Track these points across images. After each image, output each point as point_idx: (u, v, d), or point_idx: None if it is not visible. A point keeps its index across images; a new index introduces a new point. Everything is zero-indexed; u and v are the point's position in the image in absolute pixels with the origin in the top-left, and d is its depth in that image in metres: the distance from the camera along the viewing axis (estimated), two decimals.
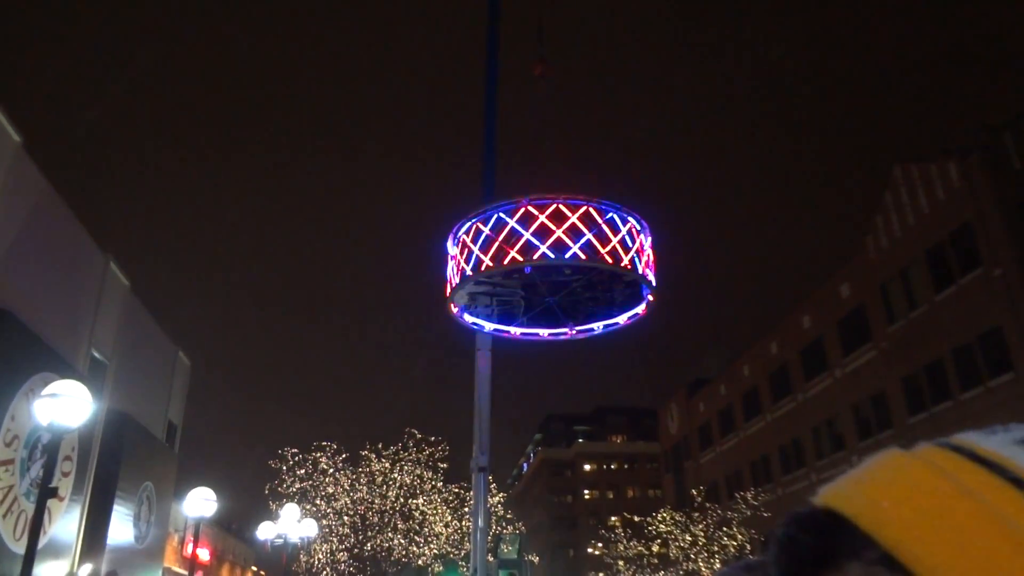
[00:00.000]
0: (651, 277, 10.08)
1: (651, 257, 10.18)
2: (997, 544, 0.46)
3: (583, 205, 9.42)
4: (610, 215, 9.53)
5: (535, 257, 9.25)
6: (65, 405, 9.90)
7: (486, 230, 9.65)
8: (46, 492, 9.75)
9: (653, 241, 10.33)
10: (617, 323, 11.31)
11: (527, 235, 9.25)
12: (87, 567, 22.65)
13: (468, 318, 11.64)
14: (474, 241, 9.80)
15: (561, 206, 9.36)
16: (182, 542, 33.23)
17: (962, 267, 26.40)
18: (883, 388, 30.76)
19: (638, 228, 9.85)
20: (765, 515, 36.25)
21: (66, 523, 21.84)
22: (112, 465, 24.18)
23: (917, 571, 0.46)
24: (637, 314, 11.00)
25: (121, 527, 24.95)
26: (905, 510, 0.49)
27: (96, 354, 24.31)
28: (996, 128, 27.72)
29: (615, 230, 9.46)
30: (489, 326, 12.03)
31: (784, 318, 39.59)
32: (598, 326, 11.51)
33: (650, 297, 10.55)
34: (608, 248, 9.29)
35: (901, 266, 29.53)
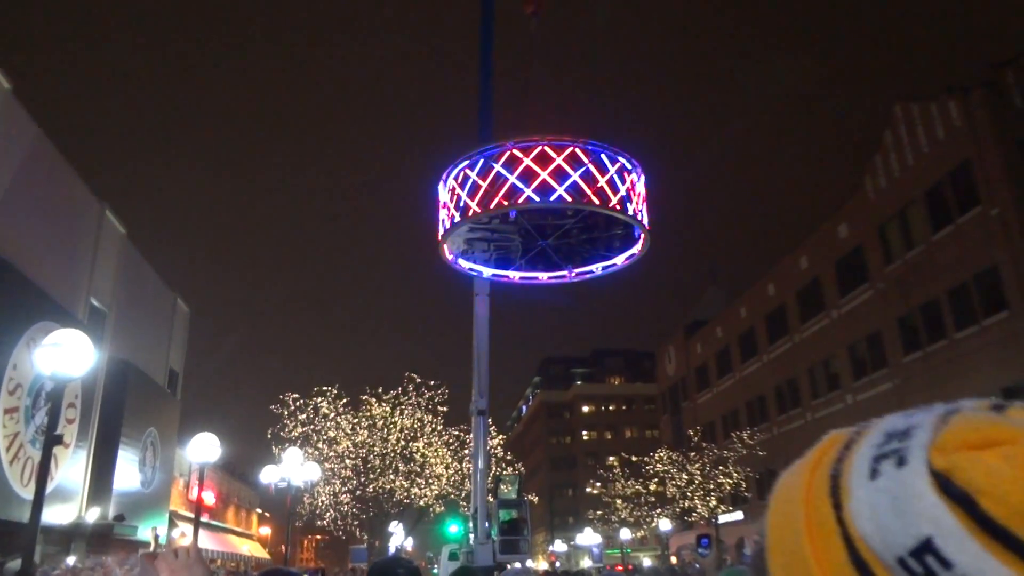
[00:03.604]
0: (643, 217, 10.01)
1: (643, 197, 10.09)
2: (790, 542, 0.54)
3: (569, 146, 9.31)
4: (598, 155, 9.43)
5: (519, 201, 9.19)
6: (67, 354, 9.92)
7: (473, 175, 9.58)
8: (51, 439, 9.85)
9: (647, 181, 10.24)
10: (615, 264, 11.31)
11: (512, 179, 9.18)
12: (95, 511, 23.07)
13: (465, 264, 11.63)
14: (462, 186, 9.74)
15: (546, 148, 9.25)
16: (187, 486, 33.78)
17: (960, 207, 26.30)
18: (879, 328, 30.95)
19: (628, 168, 9.75)
20: (760, 454, 36.81)
21: (72, 469, 22.17)
22: (115, 412, 24.44)
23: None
24: (634, 255, 10.99)
25: (127, 472, 25.35)
26: (777, 493, 0.59)
27: (95, 302, 24.35)
28: (998, 65, 27.30)
29: (603, 170, 9.37)
30: (487, 271, 12.03)
31: (782, 259, 39.61)
32: (597, 268, 11.52)
33: (643, 237, 10.51)
34: (595, 188, 9.22)
35: (899, 206, 29.42)
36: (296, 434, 30.04)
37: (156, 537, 26.86)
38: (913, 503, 0.48)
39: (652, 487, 42.54)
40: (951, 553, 0.46)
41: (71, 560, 16.93)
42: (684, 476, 40.03)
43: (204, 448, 16.47)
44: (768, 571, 0.55)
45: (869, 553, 0.48)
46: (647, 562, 50.71)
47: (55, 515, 19.90)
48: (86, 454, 23.38)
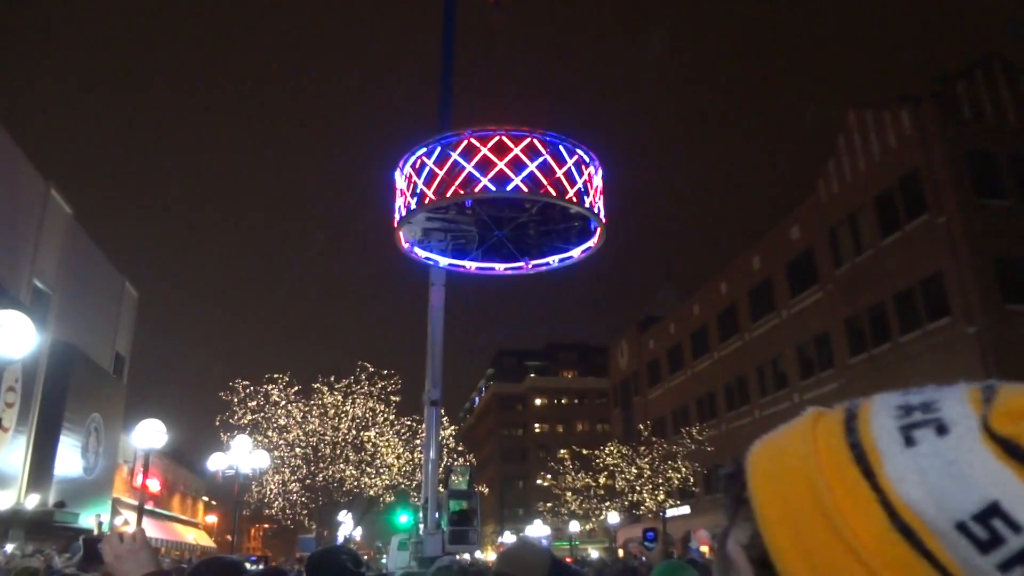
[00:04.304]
0: (599, 210, 10.05)
1: (600, 191, 10.13)
2: (807, 511, 0.52)
3: (527, 136, 9.30)
4: (556, 147, 9.43)
5: (476, 190, 9.17)
6: (7, 336, 9.66)
7: (430, 163, 9.54)
8: None
9: (605, 175, 10.28)
10: (572, 256, 11.35)
11: (469, 167, 9.15)
12: (34, 497, 22.48)
13: (421, 253, 11.58)
14: (418, 174, 9.69)
15: (504, 138, 9.23)
16: (132, 473, 33.12)
17: (908, 213, 26.97)
18: (827, 329, 31.63)
19: (586, 161, 9.78)
20: (709, 449, 37.39)
21: (12, 454, 21.59)
22: (58, 396, 23.81)
23: (759, 524, 0.56)
24: (590, 248, 11.04)
25: (69, 458, 24.75)
26: (765, 465, 0.58)
27: (39, 284, 23.69)
28: (950, 77, 28.07)
29: (560, 162, 9.38)
30: (444, 261, 11.98)
31: (735, 259, 40.22)
32: (554, 260, 11.54)
33: (599, 230, 10.56)
34: (552, 180, 9.23)
35: (850, 210, 30.07)
36: (246, 421, 29.64)
37: (100, 524, 26.30)
38: (974, 468, 0.48)
39: (602, 480, 42.92)
40: (1022, 515, 0.46)
41: (9, 547, 16.47)
42: (633, 470, 40.45)
43: (150, 434, 16.14)
44: (768, 546, 0.54)
45: (916, 519, 0.48)
46: (595, 554, 51.22)
47: None
48: (26, 439, 22.76)
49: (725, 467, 0.65)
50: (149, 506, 31.54)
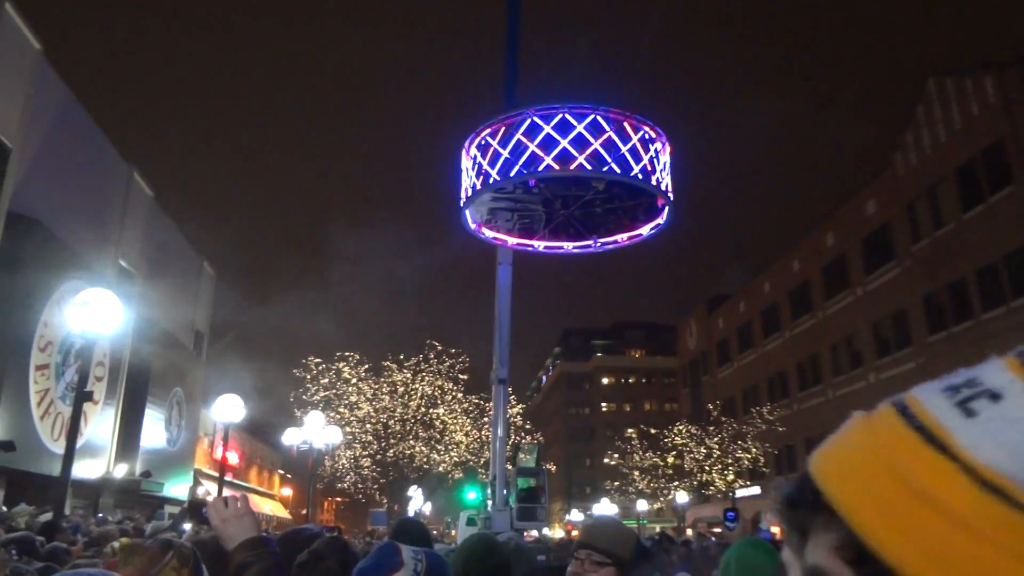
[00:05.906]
0: (666, 187, 9.90)
1: (667, 167, 9.98)
2: (896, 496, 0.54)
3: (590, 113, 9.20)
4: (620, 124, 9.32)
5: (539, 169, 9.14)
6: (97, 313, 10.14)
7: (494, 143, 9.55)
8: (82, 395, 10.13)
9: (673, 151, 10.12)
10: (640, 234, 11.24)
11: (532, 146, 9.12)
12: (122, 467, 23.60)
13: (488, 233, 11.64)
14: (483, 154, 9.71)
15: (567, 116, 9.15)
16: (212, 445, 34.41)
17: (992, 185, 25.85)
18: (904, 307, 30.64)
19: (652, 137, 9.63)
20: (780, 429, 36.77)
21: (101, 425, 22.67)
22: (142, 371, 24.88)
23: (849, 522, 0.56)
24: (659, 225, 10.91)
25: (154, 430, 25.87)
26: (835, 469, 0.59)
27: (124, 263, 24.69)
28: None
29: (625, 139, 9.26)
30: (512, 240, 12.02)
31: (807, 235, 39.23)
32: (622, 237, 11.45)
33: (666, 207, 10.43)
34: (616, 157, 9.13)
35: (930, 183, 28.97)
36: (318, 398, 30.46)
37: (196, 490, 27.49)
38: None
39: (670, 460, 42.70)
40: None
41: (100, 515, 17.36)
42: (702, 450, 40.12)
43: (228, 409, 16.77)
44: (867, 539, 0.55)
45: (1000, 477, 0.50)
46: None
47: (84, 470, 20.37)
48: (114, 411, 23.87)
49: (780, 488, 0.64)
50: (228, 477, 32.73)
